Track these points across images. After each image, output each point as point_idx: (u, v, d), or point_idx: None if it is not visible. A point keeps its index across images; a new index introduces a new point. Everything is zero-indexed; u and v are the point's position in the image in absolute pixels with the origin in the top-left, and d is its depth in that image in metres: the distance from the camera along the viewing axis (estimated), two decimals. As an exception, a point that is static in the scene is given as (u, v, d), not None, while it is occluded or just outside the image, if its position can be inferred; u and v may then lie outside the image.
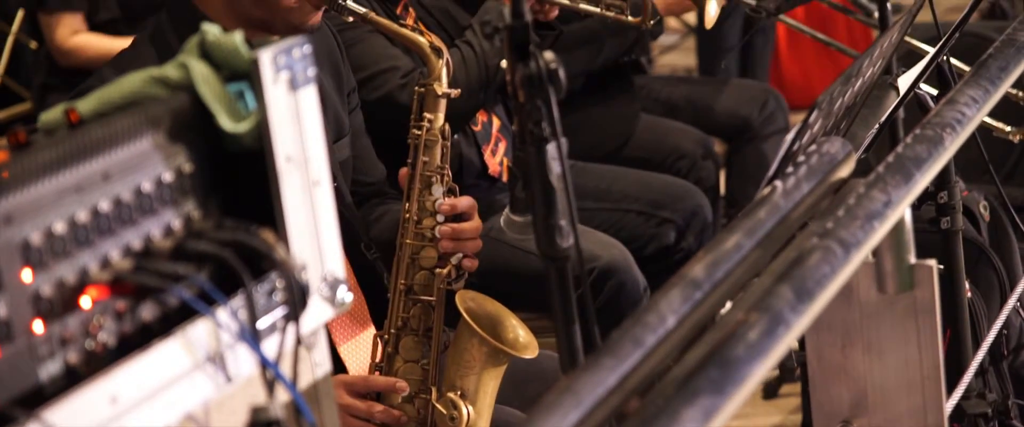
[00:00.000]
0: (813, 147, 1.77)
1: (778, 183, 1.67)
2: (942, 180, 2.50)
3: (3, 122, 4.90)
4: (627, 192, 3.26)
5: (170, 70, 1.36)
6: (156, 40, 2.30)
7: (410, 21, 2.94)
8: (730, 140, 3.91)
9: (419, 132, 2.30)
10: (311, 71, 1.35)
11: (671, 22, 7.57)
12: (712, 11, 3.03)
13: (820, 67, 5.67)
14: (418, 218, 2.28)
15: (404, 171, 2.30)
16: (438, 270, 2.27)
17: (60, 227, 1.18)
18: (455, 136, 2.92)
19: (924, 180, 1.66)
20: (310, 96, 1.35)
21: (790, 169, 1.71)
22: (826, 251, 1.47)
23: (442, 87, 2.30)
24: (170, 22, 2.31)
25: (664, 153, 3.59)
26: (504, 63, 2.75)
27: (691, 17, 5.94)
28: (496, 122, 3.10)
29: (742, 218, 1.59)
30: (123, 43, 4.32)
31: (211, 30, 1.37)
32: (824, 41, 4.09)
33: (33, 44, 4.77)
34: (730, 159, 3.90)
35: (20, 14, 4.87)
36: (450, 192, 2.30)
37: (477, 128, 3.04)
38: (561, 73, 1.59)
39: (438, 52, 2.30)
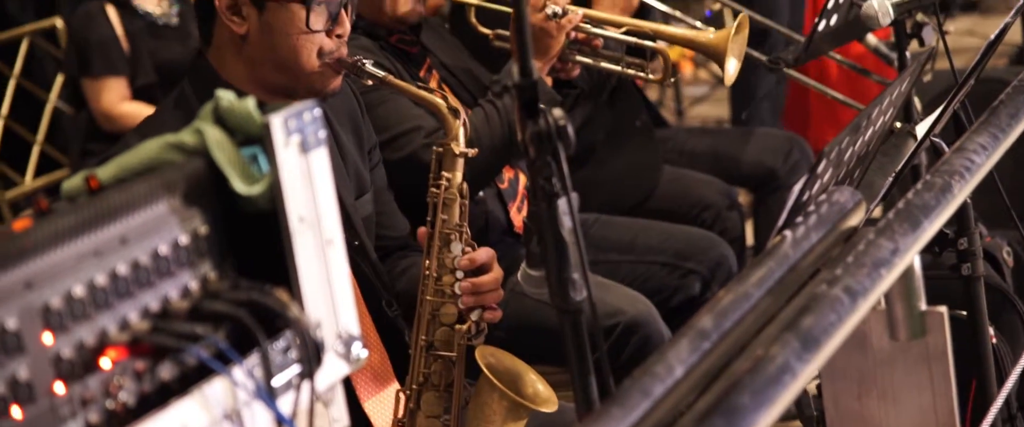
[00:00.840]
0: (822, 197, 1.79)
1: (787, 233, 1.69)
2: (962, 226, 2.50)
3: (46, 189, 4.98)
4: (652, 244, 3.28)
5: (186, 136, 1.40)
6: (180, 106, 2.35)
7: (433, 83, 2.99)
8: (755, 190, 3.92)
9: (437, 191, 2.34)
10: (322, 133, 1.39)
11: (702, 73, 7.62)
12: (730, 69, 3.06)
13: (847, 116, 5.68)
14: (438, 275, 2.31)
15: (423, 230, 2.34)
16: (458, 326, 2.30)
17: (79, 291, 1.22)
18: (481, 193, 2.97)
19: (932, 228, 1.68)
20: (322, 158, 1.39)
21: (799, 219, 1.73)
22: (833, 299, 1.48)
23: (460, 147, 2.34)
24: (193, 89, 2.36)
25: (689, 204, 3.61)
26: None
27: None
28: (523, 179, 3.14)
29: (751, 268, 1.61)
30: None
31: (225, 96, 1.41)
32: (831, 96, 4.09)
33: (71, 110, 4.87)
34: (757, 209, 3.92)
35: (59, 81, 4.98)
36: (469, 249, 2.34)
37: (503, 185, 3.07)
38: (570, 130, 1.62)
39: (455, 112, 2.34)
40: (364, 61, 2.34)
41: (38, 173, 4.99)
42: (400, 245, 2.61)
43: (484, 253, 2.32)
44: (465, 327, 2.31)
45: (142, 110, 4.45)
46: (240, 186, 1.35)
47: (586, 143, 3.49)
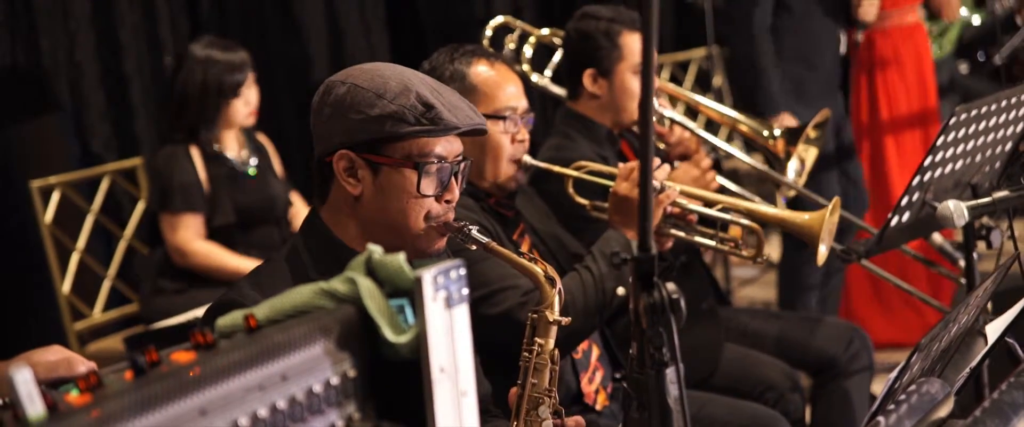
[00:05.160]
0: (913, 387, 1.88)
1: (881, 418, 1.77)
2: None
3: (114, 322, 5.09)
4: (716, 417, 3.34)
5: (338, 284, 1.51)
6: (291, 260, 2.45)
7: (525, 246, 3.11)
8: (815, 375, 3.98)
9: (529, 355, 2.43)
10: (465, 291, 1.50)
11: (750, 256, 7.72)
12: (823, 251, 3.16)
13: (892, 309, 5.77)
14: (526, 436, 2.39)
15: (514, 390, 2.42)
16: (542, 486, 2.38)
17: (244, 422, 1.31)
18: (559, 360, 3.06)
19: (1021, 424, 1.76)
20: (463, 313, 1.49)
21: (891, 406, 1.81)
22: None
23: (554, 314, 2.43)
24: (305, 243, 2.47)
25: (751, 383, 3.67)
26: (620, 290, 2.90)
27: (771, 253, 6.07)
28: (595, 350, 3.22)
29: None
30: (239, 260, 4.57)
31: (376, 250, 1.52)
32: (906, 290, 4.19)
33: (144, 248, 5.01)
34: (815, 394, 3.97)
35: (135, 218, 5.14)
36: (556, 414, 2.41)
37: (577, 356, 3.15)
38: (682, 303, 1.72)
39: (552, 281, 2.44)
40: (470, 227, 2.45)
41: (108, 307, 5.11)
42: (482, 409, 2.68)
43: (574, 421, 2.40)
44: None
45: (214, 249, 4.60)
46: (390, 334, 1.45)
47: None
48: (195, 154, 4.66)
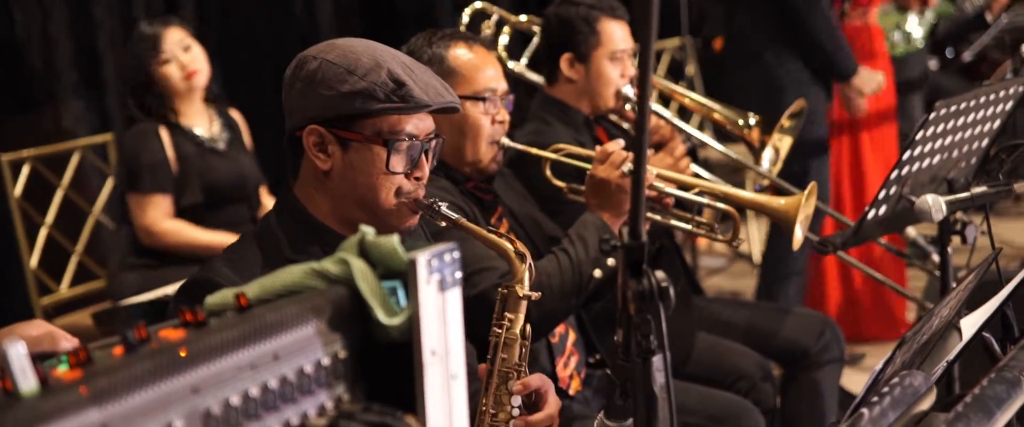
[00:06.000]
0: (896, 379, 1.88)
1: (865, 411, 1.77)
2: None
3: (80, 297, 5.06)
4: (688, 405, 3.35)
5: (330, 264, 1.49)
6: (264, 237, 2.45)
7: (503, 229, 3.11)
8: (786, 365, 4.00)
9: (500, 331, 2.43)
10: (458, 274, 1.49)
11: (718, 246, 7.74)
12: (798, 235, 3.17)
13: (861, 304, 5.81)
14: (495, 411, 2.40)
15: (483, 366, 2.43)
16: (510, 464, 2.38)
17: (236, 400, 1.30)
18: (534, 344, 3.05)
19: (1004, 418, 1.77)
20: (456, 297, 1.49)
21: (875, 398, 1.82)
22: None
23: (524, 290, 2.44)
24: (278, 221, 2.46)
25: (724, 372, 3.69)
26: (597, 273, 2.90)
27: (744, 243, 6.09)
28: (572, 335, 3.22)
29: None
30: (210, 234, 4.55)
31: (369, 231, 1.51)
32: (881, 281, 4.21)
33: (113, 225, 4.98)
34: (785, 384, 3.99)
35: (104, 195, 5.10)
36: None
37: (554, 340, 3.16)
38: (671, 291, 1.72)
39: (522, 257, 2.45)
40: (439, 203, 2.46)
41: (74, 283, 5.08)
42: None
43: (537, 378, 2.40)
44: (518, 465, 2.38)
45: (184, 228, 4.57)
46: (382, 316, 1.44)
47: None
48: (164, 133, 4.63)
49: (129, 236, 4.69)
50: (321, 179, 2.44)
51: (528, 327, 2.46)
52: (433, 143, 2.48)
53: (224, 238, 4.47)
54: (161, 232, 4.57)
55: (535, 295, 2.46)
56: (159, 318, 1.52)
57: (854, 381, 4.92)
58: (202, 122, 4.73)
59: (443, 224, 2.48)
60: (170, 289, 4.11)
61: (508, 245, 2.46)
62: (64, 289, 5.03)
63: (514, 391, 2.40)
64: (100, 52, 5.46)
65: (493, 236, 2.50)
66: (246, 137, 4.90)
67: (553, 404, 2.45)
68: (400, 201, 2.44)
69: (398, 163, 2.43)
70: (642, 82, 1.59)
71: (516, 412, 2.41)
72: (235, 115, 4.90)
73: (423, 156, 2.47)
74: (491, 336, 2.45)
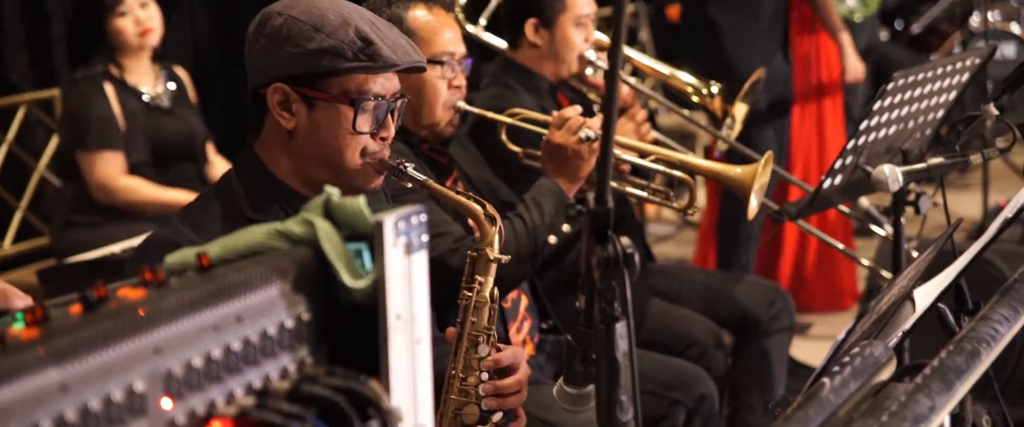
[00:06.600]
0: (857, 349, 1.88)
1: (826, 380, 1.77)
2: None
3: (23, 254, 4.99)
4: (640, 372, 3.32)
5: (294, 225, 1.47)
6: (222, 195, 2.41)
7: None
8: (737, 333, 4.02)
9: (470, 294, 2.41)
10: (425, 237, 1.47)
11: (666, 213, 7.76)
12: (754, 204, 3.16)
13: (810, 274, 5.85)
14: (464, 376, 2.38)
15: (451, 330, 2.41)
16: (480, 426, 2.37)
17: (198, 361, 1.27)
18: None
19: (963, 389, 1.77)
20: (422, 260, 1.46)
21: (836, 368, 1.82)
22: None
23: (494, 252, 2.42)
24: (238, 179, 2.42)
25: (676, 339, 3.69)
26: (552, 238, 2.89)
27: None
28: (524, 300, 3.21)
29: (794, 411, 1.69)
30: (170, 193, 4.49)
31: (334, 192, 1.48)
32: (839, 249, 4.23)
33: (58, 181, 4.90)
34: (736, 351, 4.01)
35: (49, 151, 5.02)
36: (495, 351, 2.41)
37: (507, 305, 3.14)
38: (636, 257, 1.70)
39: (492, 219, 2.43)
40: (406, 164, 2.43)
41: (18, 239, 5.00)
42: None
43: (509, 354, 2.39)
44: (487, 427, 2.37)
45: (141, 185, 4.50)
46: (347, 279, 1.41)
47: (578, 270, 3.57)
48: (109, 89, 4.56)
49: (74, 193, 4.61)
50: (285, 138, 2.40)
51: (496, 290, 2.44)
52: (399, 103, 2.45)
53: (182, 196, 4.41)
54: (117, 188, 4.50)
55: (505, 258, 2.44)
56: (106, 276, 1.49)
57: (802, 350, 4.95)
58: (147, 80, 4.67)
59: (409, 185, 2.45)
60: (116, 247, 4.06)
61: (478, 207, 2.44)
62: (8, 245, 4.96)
63: (485, 367, 2.38)
64: (49, 7, 5.37)
65: (462, 198, 2.47)
66: (191, 94, 4.84)
67: (524, 371, 2.43)
68: (365, 161, 2.41)
69: (364, 123, 2.39)
70: (613, 49, 1.57)
71: (485, 376, 2.39)
72: (180, 72, 4.83)
73: (389, 116, 2.43)
74: (461, 299, 2.43)
